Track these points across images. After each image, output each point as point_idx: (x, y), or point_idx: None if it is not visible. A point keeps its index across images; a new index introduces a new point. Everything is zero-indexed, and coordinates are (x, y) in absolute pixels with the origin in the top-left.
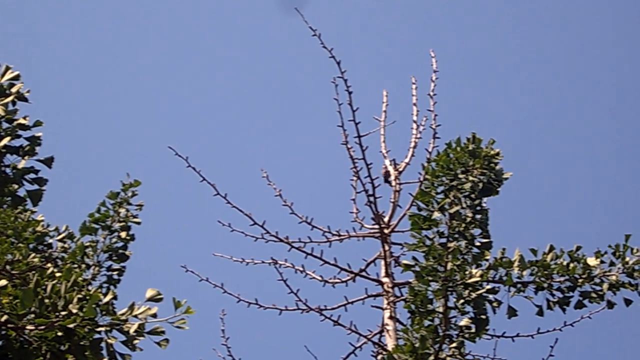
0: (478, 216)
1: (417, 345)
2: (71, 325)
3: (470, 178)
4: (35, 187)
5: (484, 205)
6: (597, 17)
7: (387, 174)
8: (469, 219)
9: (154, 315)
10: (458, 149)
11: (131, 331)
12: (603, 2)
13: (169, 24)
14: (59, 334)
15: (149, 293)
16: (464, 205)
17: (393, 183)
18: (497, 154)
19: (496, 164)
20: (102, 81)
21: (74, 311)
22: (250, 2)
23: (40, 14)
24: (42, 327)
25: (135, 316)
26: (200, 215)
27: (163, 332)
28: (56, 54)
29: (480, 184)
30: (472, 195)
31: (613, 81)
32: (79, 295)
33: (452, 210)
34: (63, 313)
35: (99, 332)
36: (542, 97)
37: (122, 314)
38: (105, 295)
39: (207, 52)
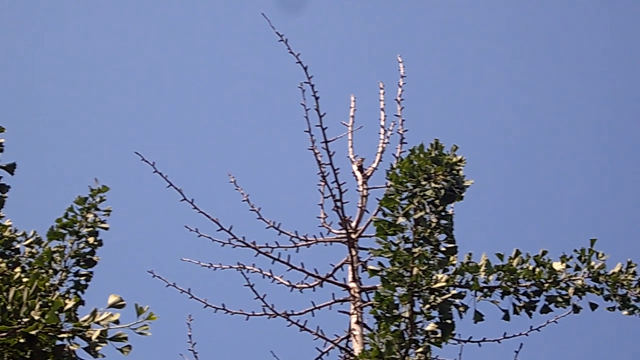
0: (443, 222)
1: (383, 350)
2: (33, 332)
3: (433, 185)
4: None
5: (448, 210)
6: (566, 29)
7: (360, 166)
8: (433, 225)
9: (116, 322)
10: (421, 155)
11: (93, 338)
12: (572, 16)
13: (143, 24)
14: (21, 340)
15: (112, 299)
16: (428, 211)
17: (360, 188)
18: (460, 160)
19: (458, 170)
20: (67, 84)
21: (36, 318)
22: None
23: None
24: (4, 333)
25: (98, 322)
26: (168, 220)
27: (126, 338)
28: (19, 54)
29: (443, 191)
30: (436, 202)
31: (578, 91)
32: (41, 302)
33: (416, 216)
34: (25, 320)
35: (62, 339)
36: (508, 100)
37: (85, 321)
38: (68, 301)
39: (179, 54)
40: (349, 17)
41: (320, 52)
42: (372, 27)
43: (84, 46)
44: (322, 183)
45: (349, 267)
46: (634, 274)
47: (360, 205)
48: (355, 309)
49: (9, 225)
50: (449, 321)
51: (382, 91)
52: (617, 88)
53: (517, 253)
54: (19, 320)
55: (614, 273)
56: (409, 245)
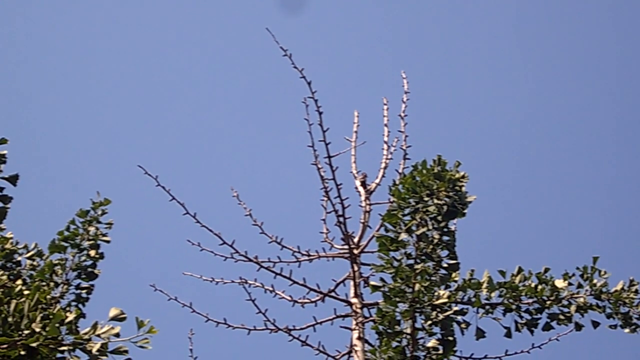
0: (445, 238)
1: None
2: (34, 344)
3: (435, 201)
4: (0, 204)
5: (451, 227)
6: (563, 44)
7: (364, 180)
8: (436, 241)
9: (117, 335)
10: (424, 171)
11: (94, 350)
12: (568, 28)
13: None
14: (22, 352)
15: (113, 312)
16: (431, 227)
17: (363, 203)
18: (463, 176)
19: (461, 186)
20: (71, 95)
21: (37, 330)
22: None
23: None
24: (5, 345)
25: (99, 335)
26: (170, 234)
27: (126, 351)
28: (21, 66)
29: (445, 207)
30: (438, 218)
31: (580, 107)
32: (42, 314)
33: (419, 232)
34: (26, 332)
35: (62, 352)
36: (511, 116)
37: (85, 333)
38: (69, 314)
39: (182, 65)
40: (350, 36)
41: (323, 66)
42: (374, 41)
43: (86, 56)
44: (325, 198)
45: (351, 283)
46: (637, 292)
47: (362, 220)
48: (357, 324)
49: (11, 238)
50: (450, 338)
51: (385, 107)
52: (619, 106)
53: (520, 270)
54: (20, 333)
55: (616, 291)
56: (411, 262)
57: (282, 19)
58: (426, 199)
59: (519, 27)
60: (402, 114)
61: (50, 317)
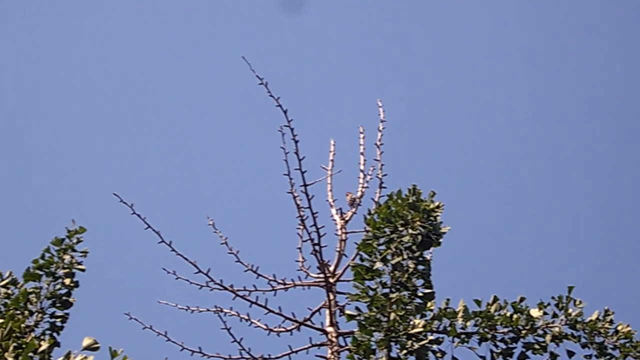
0: (420, 267)
1: None
2: None
3: (410, 231)
4: None
5: (426, 256)
6: (535, 67)
7: (352, 200)
8: (411, 270)
9: None
10: (399, 201)
11: None
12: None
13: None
14: None
15: (86, 342)
16: (406, 257)
17: (339, 232)
18: (437, 207)
19: (436, 217)
20: (43, 120)
21: (10, 359)
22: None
23: None
24: None
25: None
26: (145, 262)
27: None
28: None
29: (420, 237)
30: (413, 247)
31: (554, 137)
32: (15, 344)
33: (394, 261)
34: None
35: None
36: (486, 146)
37: None
38: (43, 342)
39: (160, 90)
40: (327, 58)
41: (300, 93)
42: (350, 70)
43: (60, 81)
44: (301, 226)
45: (327, 311)
46: (611, 322)
47: (338, 249)
48: (332, 353)
49: None
50: None
51: (362, 135)
52: (593, 133)
53: (495, 299)
54: None
55: (591, 321)
56: (387, 290)
57: (282, 18)
58: (401, 228)
59: (492, 52)
60: (378, 143)
61: (24, 346)
